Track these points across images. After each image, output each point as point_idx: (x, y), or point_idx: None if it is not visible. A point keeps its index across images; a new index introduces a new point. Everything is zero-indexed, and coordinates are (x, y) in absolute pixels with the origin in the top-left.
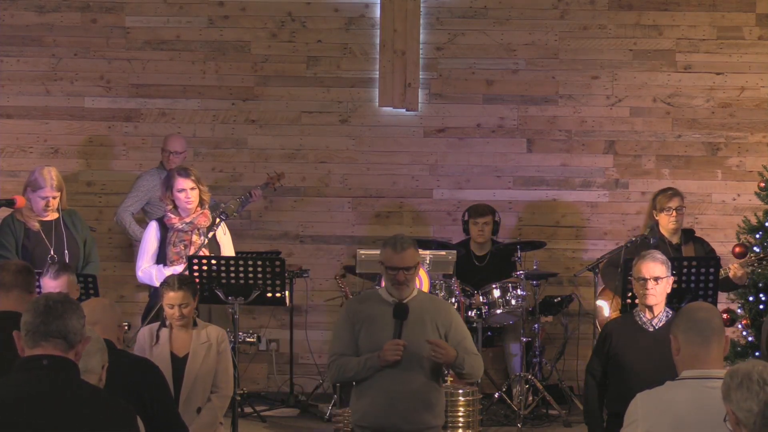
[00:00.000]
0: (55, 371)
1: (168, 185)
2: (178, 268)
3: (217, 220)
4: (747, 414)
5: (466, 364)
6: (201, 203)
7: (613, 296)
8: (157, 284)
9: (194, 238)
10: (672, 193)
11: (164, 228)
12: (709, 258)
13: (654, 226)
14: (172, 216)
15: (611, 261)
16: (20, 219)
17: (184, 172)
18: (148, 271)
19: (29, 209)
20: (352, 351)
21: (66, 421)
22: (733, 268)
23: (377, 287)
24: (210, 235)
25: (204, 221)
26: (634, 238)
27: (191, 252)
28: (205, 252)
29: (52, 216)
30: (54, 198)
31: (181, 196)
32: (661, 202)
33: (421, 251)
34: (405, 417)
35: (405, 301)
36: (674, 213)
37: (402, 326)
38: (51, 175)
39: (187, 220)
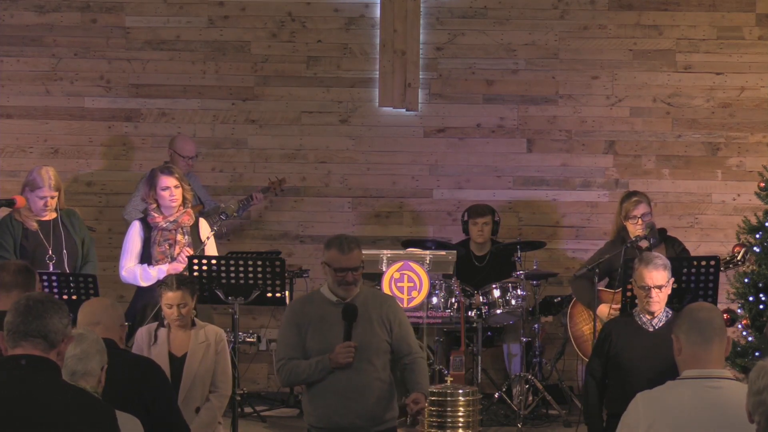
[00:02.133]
0: (34, 371)
1: (152, 184)
2: (164, 267)
3: (211, 232)
4: (756, 423)
5: (427, 390)
6: (184, 202)
7: (585, 310)
8: (142, 283)
9: (179, 237)
10: (637, 200)
11: (147, 227)
12: (709, 258)
13: (652, 226)
14: (156, 215)
15: (585, 275)
16: (18, 219)
17: (168, 170)
18: (133, 270)
19: (27, 209)
20: (299, 354)
21: (43, 422)
22: None
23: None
24: (208, 237)
25: (187, 220)
26: (628, 244)
27: (176, 251)
28: (189, 251)
29: (50, 216)
30: (52, 198)
31: (166, 194)
32: (627, 209)
33: (420, 251)
34: (361, 414)
35: (350, 301)
36: (640, 221)
37: (351, 327)
38: (49, 174)
39: (171, 218)
